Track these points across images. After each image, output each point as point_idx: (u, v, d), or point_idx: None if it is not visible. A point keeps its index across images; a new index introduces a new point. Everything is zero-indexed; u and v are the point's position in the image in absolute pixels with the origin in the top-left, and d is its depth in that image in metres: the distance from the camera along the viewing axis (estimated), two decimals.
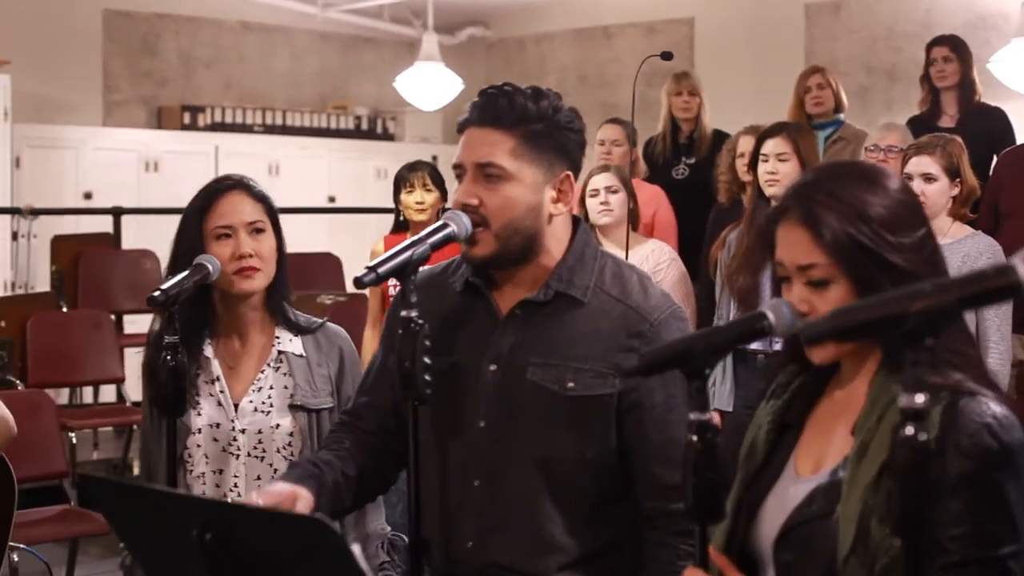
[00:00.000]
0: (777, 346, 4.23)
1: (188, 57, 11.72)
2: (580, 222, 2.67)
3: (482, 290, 2.61)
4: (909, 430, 1.56)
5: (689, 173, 6.99)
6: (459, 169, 2.56)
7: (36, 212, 8.97)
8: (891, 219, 1.98)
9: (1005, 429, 1.86)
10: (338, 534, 1.66)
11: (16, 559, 5.00)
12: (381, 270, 2.41)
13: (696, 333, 2.00)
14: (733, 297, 4.92)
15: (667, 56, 4.93)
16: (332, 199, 11.57)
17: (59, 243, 8.35)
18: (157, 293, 2.84)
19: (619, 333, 2.53)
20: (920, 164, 4.65)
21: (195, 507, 1.88)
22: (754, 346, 4.76)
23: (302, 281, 7.38)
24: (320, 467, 2.63)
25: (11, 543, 4.97)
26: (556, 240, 2.59)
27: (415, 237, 2.49)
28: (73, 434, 6.60)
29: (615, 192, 5.39)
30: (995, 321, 4.56)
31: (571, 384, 2.51)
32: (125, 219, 8.96)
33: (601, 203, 5.40)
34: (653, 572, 2.53)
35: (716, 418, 5.30)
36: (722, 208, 6.15)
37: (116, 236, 8.68)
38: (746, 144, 5.68)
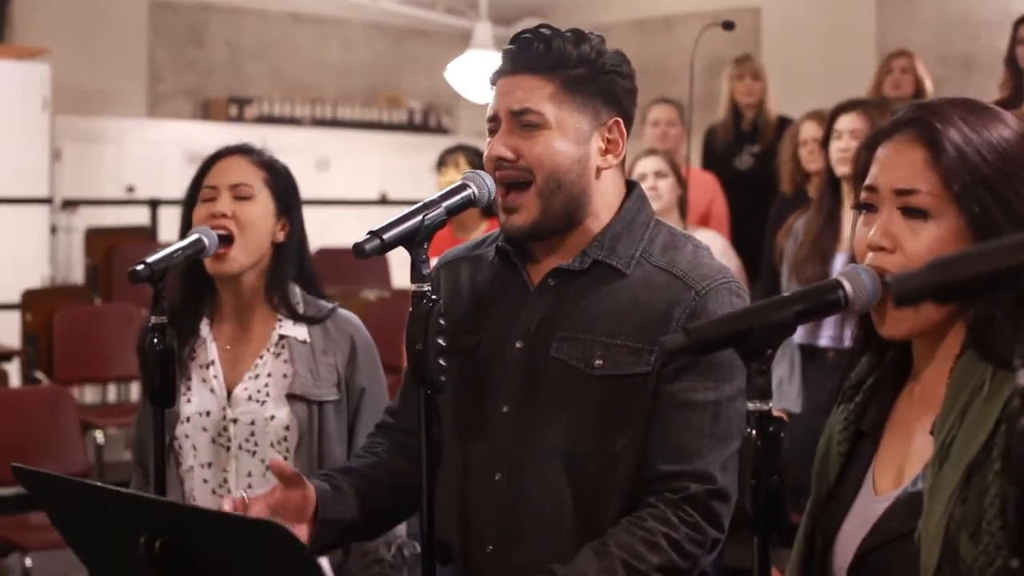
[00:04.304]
0: (850, 343, 3.91)
1: (236, 48, 11.48)
2: (636, 186, 2.33)
3: (513, 258, 2.28)
4: None
5: (753, 163, 6.67)
6: (492, 123, 2.25)
7: (70, 203, 8.70)
8: (1022, 158, 1.63)
9: None
10: (299, 541, 1.33)
11: (30, 564, 4.71)
12: (387, 236, 2.06)
13: (754, 306, 1.62)
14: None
15: (728, 26, 4.57)
16: (383, 194, 11.29)
17: (94, 236, 8.05)
18: (140, 267, 2.47)
19: (659, 303, 2.18)
20: None
21: (142, 509, 1.55)
22: (823, 343, 4.54)
23: (348, 276, 7.13)
24: (332, 475, 2.31)
25: (26, 548, 4.71)
26: (605, 203, 2.26)
27: (428, 199, 2.14)
28: (99, 433, 6.29)
29: (664, 177, 5.08)
30: None
31: (599, 362, 2.17)
32: (165, 212, 8.67)
33: (649, 188, 5.06)
34: (619, 531, 2.11)
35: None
36: (785, 199, 5.82)
37: (153, 229, 8.40)
38: (808, 131, 5.47)
